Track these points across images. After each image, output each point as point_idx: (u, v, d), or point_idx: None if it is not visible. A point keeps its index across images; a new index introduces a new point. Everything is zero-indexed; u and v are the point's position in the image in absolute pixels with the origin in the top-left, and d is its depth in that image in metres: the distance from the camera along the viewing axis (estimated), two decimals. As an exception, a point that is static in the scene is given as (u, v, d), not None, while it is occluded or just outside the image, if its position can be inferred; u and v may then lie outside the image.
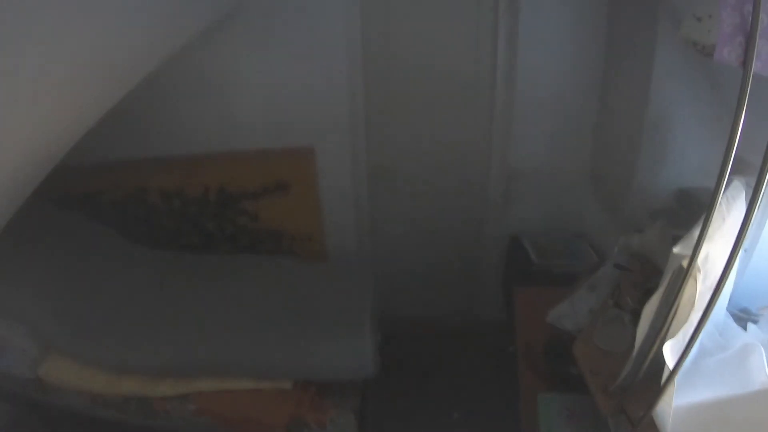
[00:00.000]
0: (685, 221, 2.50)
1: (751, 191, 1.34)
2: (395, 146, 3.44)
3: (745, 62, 1.33)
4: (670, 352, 1.50)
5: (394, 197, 3.55)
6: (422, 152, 3.45)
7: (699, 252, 1.39)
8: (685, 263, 1.47)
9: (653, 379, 1.72)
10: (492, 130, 3.34)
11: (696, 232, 1.47)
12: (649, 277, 2.52)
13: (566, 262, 3.14)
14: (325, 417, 2.64)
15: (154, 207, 3.43)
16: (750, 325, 2.05)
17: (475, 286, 3.79)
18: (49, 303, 2.79)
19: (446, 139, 3.41)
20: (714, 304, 1.42)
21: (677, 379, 1.54)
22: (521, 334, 2.55)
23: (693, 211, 2.79)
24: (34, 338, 2.73)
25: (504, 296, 3.33)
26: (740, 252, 1.41)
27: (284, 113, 3.22)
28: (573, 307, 2.58)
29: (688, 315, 1.48)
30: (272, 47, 3.09)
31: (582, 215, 3.44)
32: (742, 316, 2.12)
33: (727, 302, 1.98)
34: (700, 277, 1.47)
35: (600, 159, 3.40)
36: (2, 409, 3.08)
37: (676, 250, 1.57)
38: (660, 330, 1.57)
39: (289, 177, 3.39)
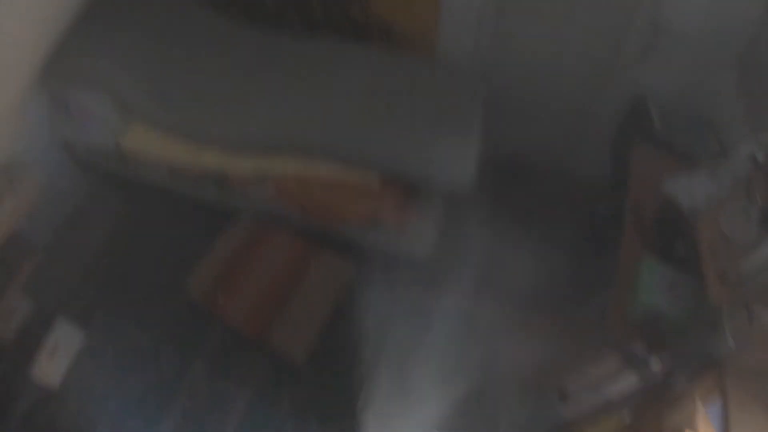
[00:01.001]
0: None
1: None
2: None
3: None
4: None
5: (523, 17, 3.16)
6: None
7: None
8: None
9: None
10: None
11: None
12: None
13: (688, 141, 2.94)
14: (406, 220, 2.56)
15: None
16: None
17: (585, 138, 3.53)
18: (136, 71, 2.72)
19: None
20: None
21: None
22: (633, 193, 2.40)
23: None
24: (118, 107, 2.70)
25: (613, 156, 3.13)
26: None
27: None
28: (692, 184, 2.42)
29: None
30: None
31: (719, 101, 3.13)
32: None
33: None
34: None
35: (760, 45, 3.07)
36: (83, 180, 3.12)
37: None
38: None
39: None
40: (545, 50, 3.31)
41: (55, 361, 2.64)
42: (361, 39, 3.42)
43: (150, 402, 2.73)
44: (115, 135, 2.75)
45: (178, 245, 3.07)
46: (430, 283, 2.89)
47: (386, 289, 2.79)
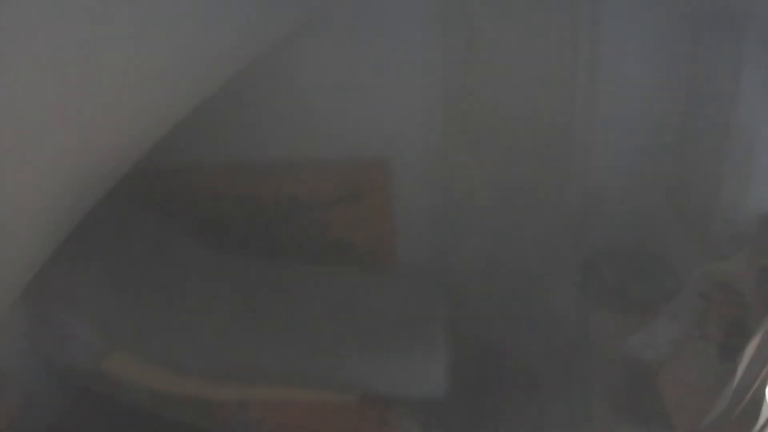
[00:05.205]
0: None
1: None
2: (473, 164, 3.35)
3: None
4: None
5: (470, 214, 3.47)
6: (500, 168, 3.34)
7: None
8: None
9: (749, 419, 1.61)
10: (571, 147, 3.25)
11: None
12: (736, 307, 2.40)
13: (644, 287, 3.02)
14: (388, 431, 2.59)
15: (226, 212, 3.47)
16: None
17: (550, 312, 3.61)
18: (117, 299, 2.83)
19: (526, 153, 3.32)
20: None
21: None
22: (598, 364, 2.42)
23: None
24: (100, 333, 2.79)
25: (579, 323, 3.16)
26: None
27: (361, 123, 3.20)
28: (653, 335, 2.46)
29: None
30: (355, 57, 3.08)
31: (662, 238, 3.25)
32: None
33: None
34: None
35: (683, 177, 3.23)
36: (62, 396, 3.13)
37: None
38: (761, 369, 1.46)
39: (362, 188, 3.39)
40: (497, 244, 3.49)
41: None
42: (324, 258, 3.60)
43: None
44: (96, 358, 2.79)
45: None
46: None
47: None
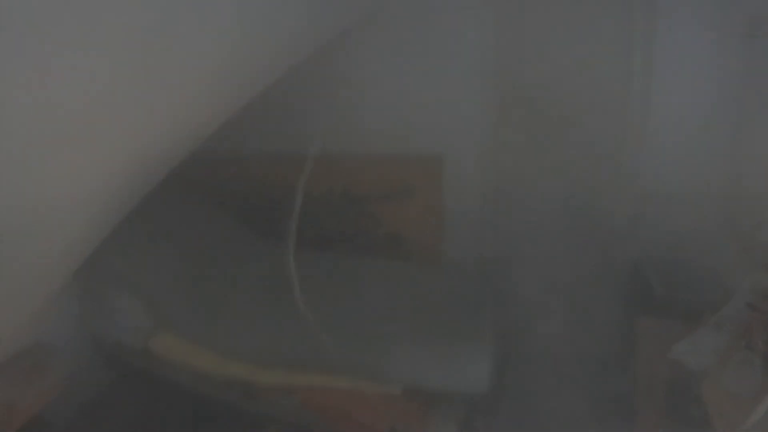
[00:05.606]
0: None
1: None
2: (524, 161, 3.32)
3: None
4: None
5: (519, 213, 3.40)
6: (551, 169, 3.29)
7: None
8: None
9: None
10: (624, 152, 3.15)
11: None
12: (782, 319, 2.38)
13: (691, 296, 3.01)
14: (429, 427, 2.60)
15: (277, 202, 3.43)
16: None
17: (593, 314, 3.40)
18: (168, 282, 2.96)
19: (578, 155, 3.26)
20: None
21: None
22: (642, 369, 2.44)
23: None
24: (150, 313, 2.85)
25: (623, 327, 3.13)
26: None
27: (415, 120, 3.27)
28: (697, 344, 2.46)
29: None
30: (408, 54, 3.13)
31: (711, 247, 3.24)
32: None
33: None
34: None
35: (735, 189, 3.21)
36: (107, 371, 3.08)
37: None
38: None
39: (415, 183, 3.41)
40: (544, 243, 3.35)
41: None
42: (374, 250, 3.63)
43: None
44: (144, 338, 2.83)
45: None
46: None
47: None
